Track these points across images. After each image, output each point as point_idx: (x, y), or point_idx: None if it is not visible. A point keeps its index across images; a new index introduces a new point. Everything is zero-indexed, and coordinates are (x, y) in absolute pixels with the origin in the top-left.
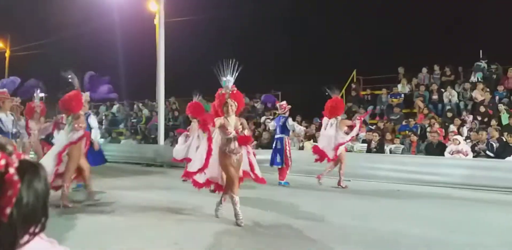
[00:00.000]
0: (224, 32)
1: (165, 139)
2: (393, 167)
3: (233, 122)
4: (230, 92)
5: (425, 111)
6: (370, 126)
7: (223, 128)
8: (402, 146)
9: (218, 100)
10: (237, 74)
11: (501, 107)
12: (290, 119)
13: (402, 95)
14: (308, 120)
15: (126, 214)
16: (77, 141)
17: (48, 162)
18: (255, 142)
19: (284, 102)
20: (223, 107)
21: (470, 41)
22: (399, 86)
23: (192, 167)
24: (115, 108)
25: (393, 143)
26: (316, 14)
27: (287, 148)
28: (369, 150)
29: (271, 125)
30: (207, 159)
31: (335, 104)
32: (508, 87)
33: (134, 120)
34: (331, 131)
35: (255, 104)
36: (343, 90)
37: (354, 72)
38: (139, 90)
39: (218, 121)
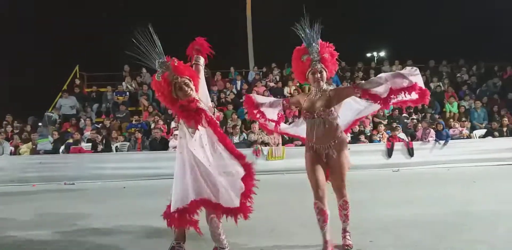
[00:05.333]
0: None
1: None
2: (119, 165)
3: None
4: (319, 58)
5: (150, 109)
6: (96, 125)
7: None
8: (128, 143)
9: (301, 66)
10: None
11: (213, 104)
12: None
13: (127, 93)
14: (22, 119)
15: None
16: None
17: None
18: None
19: None
20: (307, 75)
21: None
22: (124, 84)
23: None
24: None
25: (118, 141)
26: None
27: None
28: (95, 149)
29: None
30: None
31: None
32: (218, 88)
33: None
34: None
35: None
36: (65, 86)
37: (77, 68)
38: None
39: (295, 98)
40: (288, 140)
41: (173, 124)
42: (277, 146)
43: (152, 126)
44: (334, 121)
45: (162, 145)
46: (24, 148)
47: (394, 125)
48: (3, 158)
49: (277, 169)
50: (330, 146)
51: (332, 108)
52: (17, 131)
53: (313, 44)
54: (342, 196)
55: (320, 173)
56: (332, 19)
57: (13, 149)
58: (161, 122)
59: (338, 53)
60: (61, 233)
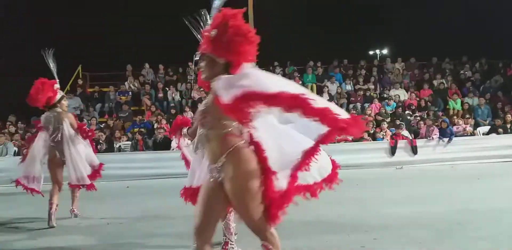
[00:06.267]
0: None
1: None
2: (122, 164)
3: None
4: (215, 34)
5: (153, 108)
6: (99, 124)
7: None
8: (130, 143)
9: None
10: None
11: None
12: None
13: (130, 93)
14: (26, 120)
15: None
16: None
17: None
18: None
19: None
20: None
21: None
22: (127, 84)
23: None
24: None
25: (122, 140)
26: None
27: None
28: (97, 149)
29: None
30: None
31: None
32: None
33: None
34: None
35: None
36: (68, 87)
37: (80, 68)
38: None
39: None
40: None
41: None
42: None
43: (155, 125)
44: (220, 131)
45: (165, 144)
46: None
47: (398, 122)
48: (7, 159)
49: None
50: (221, 165)
51: (210, 118)
52: (21, 131)
53: (204, 11)
54: (261, 238)
55: (214, 207)
56: (334, 16)
57: (16, 149)
58: (164, 121)
59: (251, 31)
60: (64, 233)
